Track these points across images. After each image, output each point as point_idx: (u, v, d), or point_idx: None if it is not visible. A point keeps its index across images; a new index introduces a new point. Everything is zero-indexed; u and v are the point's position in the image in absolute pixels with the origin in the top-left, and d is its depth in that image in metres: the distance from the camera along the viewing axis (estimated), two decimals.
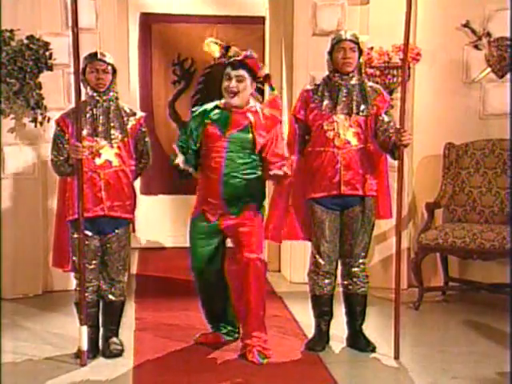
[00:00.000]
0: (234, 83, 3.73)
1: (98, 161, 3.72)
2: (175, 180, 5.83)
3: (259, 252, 3.81)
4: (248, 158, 3.81)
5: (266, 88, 5.73)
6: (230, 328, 4.10)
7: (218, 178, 3.79)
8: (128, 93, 5.49)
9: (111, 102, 3.77)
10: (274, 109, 3.91)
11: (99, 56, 3.73)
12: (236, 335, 4.06)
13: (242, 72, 3.74)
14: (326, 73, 3.94)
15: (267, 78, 3.92)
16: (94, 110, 3.74)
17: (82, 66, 3.73)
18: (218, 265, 3.98)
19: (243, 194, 3.81)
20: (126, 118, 3.80)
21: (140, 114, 3.93)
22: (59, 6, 4.95)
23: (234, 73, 3.74)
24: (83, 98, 3.75)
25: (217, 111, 3.84)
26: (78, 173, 3.64)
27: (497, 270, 5.04)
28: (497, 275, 5.05)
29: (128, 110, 3.84)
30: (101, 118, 3.74)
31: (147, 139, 3.91)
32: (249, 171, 3.81)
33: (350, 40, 3.81)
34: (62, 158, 3.73)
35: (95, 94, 3.74)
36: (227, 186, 3.79)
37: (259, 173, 3.85)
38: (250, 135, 3.79)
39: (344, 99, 3.84)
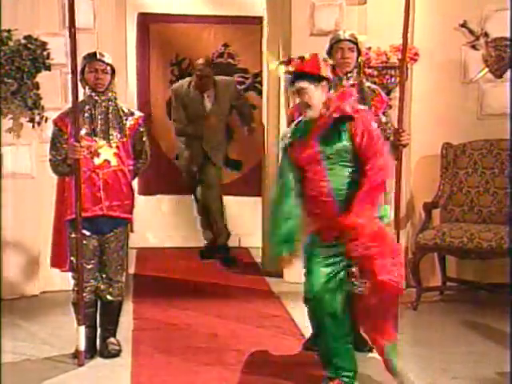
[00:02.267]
0: (298, 99, 3.43)
1: (97, 161, 3.72)
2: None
3: (391, 274, 3.28)
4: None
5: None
6: (351, 375, 3.44)
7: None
8: (126, 93, 5.49)
9: (110, 102, 3.77)
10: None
11: (98, 56, 3.73)
12: None
13: (302, 83, 3.34)
14: None
15: (334, 69, 3.58)
16: (93, 109, 3.74)
17: (80, 65, 3.73)
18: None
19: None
20: (124, 118, 3.80)
21: (138, 113, 3.93)
22: (57, 6, 4.94)
23: (296, 86, 3.36)
24: (81, 97, 3.75)
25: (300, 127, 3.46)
26: (76, 173, 3.63)
27: (495, 269, 5.04)
28: (495, 275, 5.06)
29: (126, 110, 3.84)
30: (99, 117, 3.74)
31: (145, 139, 3.91)
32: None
33: (349, 40, 3.82)
34: (60, 157, 3.73)
35: (94, 94, 3.74)
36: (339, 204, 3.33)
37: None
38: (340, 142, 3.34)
39: None
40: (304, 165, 3.35)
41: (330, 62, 3.56)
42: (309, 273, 3.38)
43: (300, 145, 3.37)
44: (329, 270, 3.33)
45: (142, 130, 3.87)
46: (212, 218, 6.04)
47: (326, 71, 3.40)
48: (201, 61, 5.89)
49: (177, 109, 5.99)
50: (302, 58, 3.42)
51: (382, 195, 3.43)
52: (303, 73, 3.36)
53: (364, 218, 3.22)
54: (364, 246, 3.23)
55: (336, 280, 3.33)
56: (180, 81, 6.15)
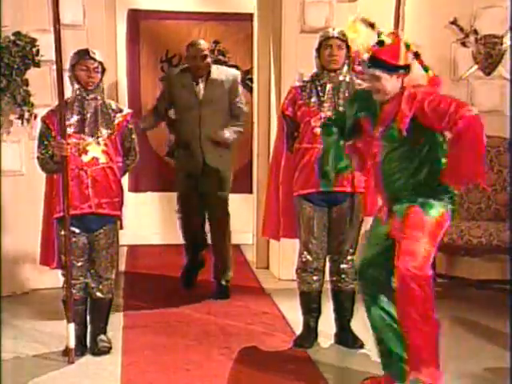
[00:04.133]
0: (368, 83, 3.27)
1: (85, 158, 3.71)
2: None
3: (412, 263, 3.06)
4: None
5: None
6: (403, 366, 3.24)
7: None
8: (116, 89, 5.48)
9: (98, 100, 3.75)
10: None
11: (91, 54, 3.71)
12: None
13: (374, 70, 3.18)
14: (315, 70, 3.95)
15: (417, 56, 3.27)
16: (81, 107, 3.72)
17: (70, 62, 3.71)
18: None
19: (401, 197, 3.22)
20: (112, 115, 3.79)
21: (127, 110, 3.92)
22: (46, 3, 4.91)
23: (369, 72, 3.22)
24: (69, 94, 3.73)
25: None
26: (64, 170, 3.62)
27: (484, 266, 5.07)
28: (484, 271, 5.08)
29: (115, 107, 3.83)
30: (88, 115, 3.73)
31: (134, 136, 3.90)
32: (403, 168, 3.20)
33: (337, 37, 3.82)
34: (47, 155, 3.71)
35: (83, 92, 3.72)
36: (387, 188, 3.27)
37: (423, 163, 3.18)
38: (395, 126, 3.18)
39: (330, 96, 3.85)
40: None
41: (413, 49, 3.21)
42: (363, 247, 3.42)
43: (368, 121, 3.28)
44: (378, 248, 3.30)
45: (130, 126, 3.86)
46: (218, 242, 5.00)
47: (405, 59, 3.16)
48: (199, 41, 4.97)
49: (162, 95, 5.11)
50: (381, 43, 3.19)
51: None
52: (379, 60, 3.16)
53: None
54: (399, 228, 3.16)
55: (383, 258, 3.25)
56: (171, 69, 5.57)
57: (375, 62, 3.18)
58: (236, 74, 5.01)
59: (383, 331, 3.29)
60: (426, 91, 3.16)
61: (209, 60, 4.82)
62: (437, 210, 3.19)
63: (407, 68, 3.20)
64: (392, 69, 3.15)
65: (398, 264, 3.09)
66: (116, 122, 3.78)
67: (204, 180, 4.84)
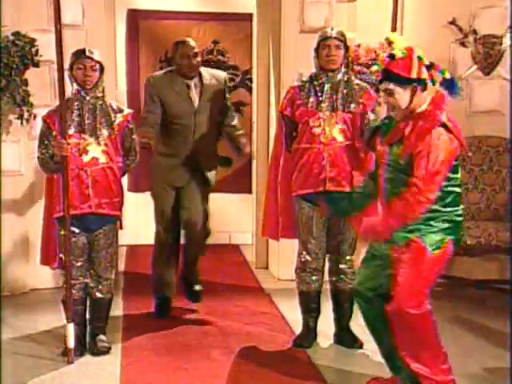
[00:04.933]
0: (384, 98, 3.21)
1: (85, 158, 3.71)
2: None
3: (409, 303, 3.08)
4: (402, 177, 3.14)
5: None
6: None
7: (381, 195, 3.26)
8: (115, 89, 5.47)
9: (98, 99, 3.75)
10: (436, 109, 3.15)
11: (87, 53, 3.71)
12: None
13: (387, 84, 3.15)
14: (314, 70, 3.95)
15: (429, 68, 3.19)
16: (81, 107, 3.73)
17: (69, 62, 3.72)
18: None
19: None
20: (113, 115, 3.79)
21: (127, 110, 3.92)
22: (45, 3, 4.92)
23: (383, 86, 3.18)
24: (69, 94, 3.74)
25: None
26: (64, 170, 3.62)
27: (483, 266, 5.07)
28: (483, 271, 5.09)
29: (115, 107, 3.83)
30: (87, 115, 3.73)
31: (134, 136, 3.90)
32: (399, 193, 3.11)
33: (335, 37, 3.83)
34: (48, 155, 3.71)
35: (82, 91, 3.73)
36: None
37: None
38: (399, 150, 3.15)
39: (328, 96, 3.85)
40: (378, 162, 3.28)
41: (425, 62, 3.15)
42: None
43: (380, 142, 3.27)
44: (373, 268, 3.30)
45: (131, 126, 3.86)
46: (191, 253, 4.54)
47: (418, 73, 3.11)
48: (188, 39, 4.52)
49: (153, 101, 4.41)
50: (392, 56, 3.17)
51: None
52: (391, 73, 3.14)
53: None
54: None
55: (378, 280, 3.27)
56: (155, 73, 4.70)
57: (388, 75, 3.15)
58: (224, 76, 4.56)
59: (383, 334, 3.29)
60: (429, 142, 3.05)
61: (199, 59, 4.42)
62: (437, 243, 3.12)
63: (422, 82, 3.12)
64: (405, 81, 3.10)
65: (395, 301, 3.09)
66: (116, 122, 3.79)
67: (186, 193, 4.39)
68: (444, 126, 3.09)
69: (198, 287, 4.56)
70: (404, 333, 3.12)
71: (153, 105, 4.36)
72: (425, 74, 3.14)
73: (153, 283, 4.56)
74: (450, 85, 3.21)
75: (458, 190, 3.18)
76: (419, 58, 3.15)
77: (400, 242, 3.15)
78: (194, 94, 4.38)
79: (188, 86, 4.37)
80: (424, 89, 3.14)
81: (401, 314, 3.09)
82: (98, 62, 3.73)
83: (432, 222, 3.11)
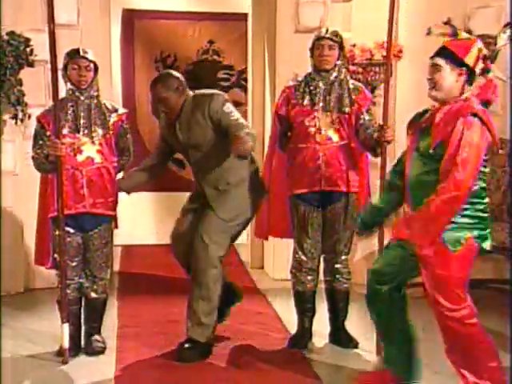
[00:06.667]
0: (429, 74, 3.11)
1: (80, 158, 3.70)
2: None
3: (444, 306, 3.07)
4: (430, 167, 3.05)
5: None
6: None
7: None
8: (110, 89, 5.47)
9: (92, 99, 3.75)
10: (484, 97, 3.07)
11: (82, 53, 3.71)
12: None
13: (438, 59, 3.07)
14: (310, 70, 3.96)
15: (484, 72, 3.13)
16: (75, 106, 3.72)
17: (63, 62, 3.71)
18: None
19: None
20: (107, 115, 3.78)
21: (122, 110, 3.91)
22: (40, 2, 4.91)
23: (432, 61, 3.10)
24: (64, 94, 3.73)
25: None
26: (58, 170, 3.61)
27: (477, 265, 5.06)
28: (479, 271, 5.07)
29: (110, 107, 3.83)
30: (82, 114, 3.72)
31: (129, 136, 3.90)
32: (426, 181, 3.05)
33: (328, 38, 3.83)
34: (42, 154, 3.70)
35: (76, 91, 3.72)
36: (411, 198, 3.16)
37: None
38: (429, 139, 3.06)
39: (323, 96, 3.85)
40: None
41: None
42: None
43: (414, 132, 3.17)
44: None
45: (125, 126, 3.86)
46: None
47: (474, 60, 3.02)
48: (158, 81, 3.79)
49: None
50: (455, 35, 3.15)
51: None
52: (447, 50, 3.06)
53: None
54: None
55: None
56: None
57: (441, 51, 3.08)
58: (209, 96, 3.75)
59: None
60: (464, 122, 2.97)
61: (175, 100, 3.71)
62: (460, 241, 3.03)
63: (472, 72, 3.04)
64: (456, 62, 3.02)
65: (435, 310, 3.09)
66: (111, 121, 3.78)
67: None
68: (477, 115, 2.99)
69: None
70: (449, 336, 3.10)
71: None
72: (479, 67, 3.06)
73: None
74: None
75: (482, 184, 3.07)
76: (480, 50, 3.08)
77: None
78: (178, 130, 3.78)
79: (173, 125, 3.80)
80: (471, 81, 3.06)
81: (445, 320, 3.08)
82: (92, 61, 3.72)
83: (451, 218, 3.00)
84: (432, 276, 3.08)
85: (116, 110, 3.85)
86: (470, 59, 3.04)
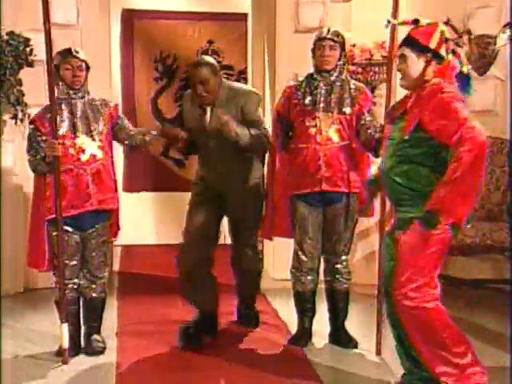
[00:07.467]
0: (397, 66, 3.13)
1: (84, 157, 3.71)
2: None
3: (412, 286, 3.00)
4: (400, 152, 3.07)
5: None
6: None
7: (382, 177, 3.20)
8: (110, 89, 5.47)
9: (85, 97, 3.75)
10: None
11: (73, 53, 3.70)
12: None
13: (403, 49, 3.09)
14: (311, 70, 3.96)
15: (454, 53, 3.14)
16: (70, 106, 3.72)
17: (55, 62, 3.68)
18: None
19: (400, 203, 3.09)
20: (101, 110, 3.79)
21: (112, 103, 3.92)
22: (40, 2, 4.90)
23: (399, 51, 3.13)
24: (56, 94, 3.72)
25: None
26: (55, 170, 3.60)
27: (477, 265, 5.08)
28: (478, 271, 5.10)
29: (101, 101, 3.83)
30: (79, 113, 3.72)
31: (126, 122, 3.90)
32: (402, 170, 3.05)
33: (329, 38, 3.83)
34: (38, 157, 3.69)
35: (71, 91, 3.72)
36: (387, 189, 3.20)
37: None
38: (402, 123, 3.07)
39: (324, 96, 3.85)
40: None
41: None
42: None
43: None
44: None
45: (121, 116, 3.89)
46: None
47: (437, 45, 3.03)
48: (202, 59, 3.97)
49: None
50: (416, 22, 3.11)
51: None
52: (410, 38, 3.08)
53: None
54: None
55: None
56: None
57: (406, 40, 3.10)
58: (243, 90, 4.00)
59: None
60: (441, 98, 2.97)
61: (213, 83, 3.84)
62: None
63: (437, 56, 3.04)
64: (421, 49, 3.03)
65: (394, 292, 3.02)
66: (105, 115, 3.78)
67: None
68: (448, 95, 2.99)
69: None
70: (413, 326, 3.03)
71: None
72: (443, 50, 3.06)
73: None
74: (465, 81, 3.13)
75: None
76: (442, 33, 3.08)
77: (399, 229, 3.08)
78: (208, 115, 3.91)
79: (203, 110, 3.91)
80: (439, 64, 3.05)
81: (398, 299, 3.02)
82: (83, 60, 3.72)
83: (416, 195, 3.02)
84: (400, 257, 3.02)
85: (106, 104, 3.85)
86: (433, 43, 3.05)
